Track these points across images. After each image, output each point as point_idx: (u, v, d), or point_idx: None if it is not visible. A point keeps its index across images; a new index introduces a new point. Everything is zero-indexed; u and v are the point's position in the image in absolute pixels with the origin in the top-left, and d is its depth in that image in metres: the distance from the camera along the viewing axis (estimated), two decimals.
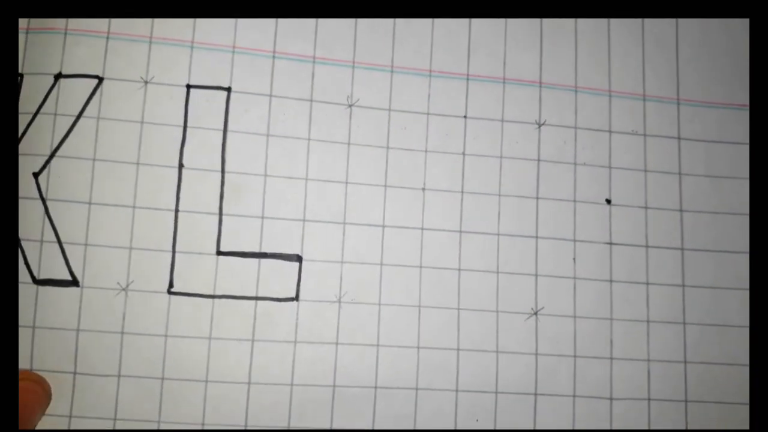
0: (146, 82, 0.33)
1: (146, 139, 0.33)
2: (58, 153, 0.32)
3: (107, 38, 0.33)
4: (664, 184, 0.36)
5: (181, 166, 0.33)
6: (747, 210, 0.36)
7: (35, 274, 0.31)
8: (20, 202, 0.31)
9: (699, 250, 0.36)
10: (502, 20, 0.36)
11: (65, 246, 0.31)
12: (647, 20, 0.38)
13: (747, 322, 0.35)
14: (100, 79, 0.33)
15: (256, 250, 0.33)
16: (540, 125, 0.36)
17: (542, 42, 0.37)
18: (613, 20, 0.37)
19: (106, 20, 0.33)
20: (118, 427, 0.31)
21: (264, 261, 0.33)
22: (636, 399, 0.34)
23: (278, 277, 0.33)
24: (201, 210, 0.33)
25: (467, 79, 0.36)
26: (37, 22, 0.33)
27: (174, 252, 0.32)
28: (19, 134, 0.32)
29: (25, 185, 0.31)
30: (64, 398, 0.31)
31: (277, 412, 0.32)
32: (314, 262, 0.33)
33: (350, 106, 0.35)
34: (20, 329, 0.31)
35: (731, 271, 0.36)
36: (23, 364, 0.30)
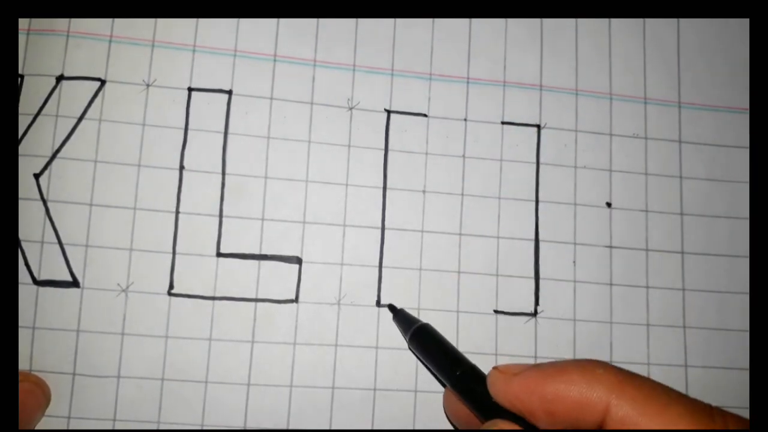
0: (148, 85, 0.33)
1: (147, 141, 0.33)
2: (60, 154, 0.32)
3: (110, 41, 0.33)
4: (664, 187, 0.36)
5: (182, 168, 0.33)
6: (747, 214, 0.36)
7: (35, 275, 0.31)
8: (21, 203, 0.31)
9: (699, 254, 0.36)
10: (502, 23, 0.36)
11: (66, 247, 0.31)
12: (648, 23, 0.38)
13: (747, 326, 0.35)
14: (103, 82, 0.33)
15: (256, 251, 0.33)
16: (540, 128, 0.36)
17: (542, 45, 0.37)
18: (613, 24, 0.37)
19: (108, 23, 0.33)
20: (117, 428, 0.31)
21: (264, 263, 0.33)
22: None
23: (278, 278, 0.33)
24: (201, 212, 0.33)
25: (467, 82, 0.36)
26: (38, 24, 0.33)
27: (174, 253, 0.32)
28: (20, 135, 0.32)
29: (26, 186, 0.32)
30: (64, 399, 0.31)
31: (276, 414, 0.32)
32: (314, 264, 0.33)
33: (350, 108, 0.35)
34: (20, 330, 0.31)
35: (731, 275, 0.36)
36: (23, 364, 0.30)
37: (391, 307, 0.33)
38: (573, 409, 0.23)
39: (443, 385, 0.32)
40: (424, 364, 0.32)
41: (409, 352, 0.33)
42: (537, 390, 0.24)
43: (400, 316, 0.32)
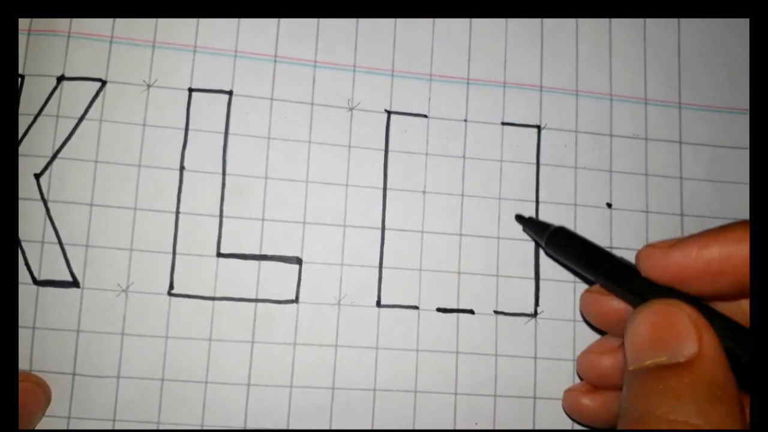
0: (149, 86, 0.33)
1: (148, 141, 0.33)
2: (60, 155, 0.32)
3: (110, 42, 0.33)
4: (665, 188, 0.36)
5: (182, 168, 0.33)
6: (747, 214, 0.36)
7: (36, 275, 0.31)
8: (21, 203, 0.31)
9: None
10: (502, 23, 0.36)
11: (66, 247, 0.31)
12: (649, 24, 0.38)
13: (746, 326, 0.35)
14: (103, 82, 0.33)
15: (257, 252, 0.33)
16: (540, 129, 0.36)
17: (543, 45, 0.37)
18: (614, 24, 0.37)
19: (109, 24, 0.33)
20: (117, 428, 0.31)
21: (264, 263, 0.33)
22: None
23: (278, 279, 0.33)
24: (202, 212, 0.33)
25: (467, 83, 0.36)
26: (39, 24, 0.33)
27: (174, 254, 0.32)
28: (20, 135, 0.32)
29: (26, 186, 0.32)
30: (64, 399, 0.31)
31: (276, 414, 0.32)
32: (314, 265, 0.33)
33: (351, 109, 0.35)
34: (20, 330, 0.31)
35: None
36: (23, 364, 0.31)
37: (519, 217, 0.34)
38: (744, 268, 0.22)
39: (589, 283, 0.33)
40: (562, 264, 0.33)
41: (409, 352, 0.33)
42: (702, 255, 0.23)
43: (532, 224, 0.33)
